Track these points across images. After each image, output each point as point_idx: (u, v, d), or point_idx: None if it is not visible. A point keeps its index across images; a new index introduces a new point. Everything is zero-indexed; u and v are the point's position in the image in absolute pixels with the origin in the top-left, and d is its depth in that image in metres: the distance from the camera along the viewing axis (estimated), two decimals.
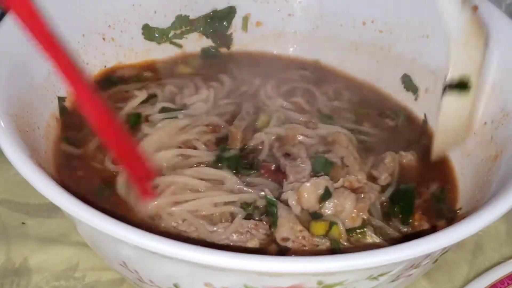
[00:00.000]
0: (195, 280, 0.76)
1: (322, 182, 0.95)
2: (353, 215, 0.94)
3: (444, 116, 0.98)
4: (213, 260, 0.66)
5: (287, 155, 1.03)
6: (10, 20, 0.97)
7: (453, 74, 0.93)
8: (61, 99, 1.05)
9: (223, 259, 0.66)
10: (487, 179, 0.95)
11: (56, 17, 1.06)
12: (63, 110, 1.05)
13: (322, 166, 1.00)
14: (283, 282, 0.72)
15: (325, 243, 0.91)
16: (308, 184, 0.94)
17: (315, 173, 0.99)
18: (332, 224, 0.92)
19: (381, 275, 0.75)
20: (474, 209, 0.81)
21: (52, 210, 1.07)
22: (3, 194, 1.11)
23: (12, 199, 1.10)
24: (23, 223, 1.07)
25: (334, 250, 0.91)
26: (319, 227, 0.92)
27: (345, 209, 0.94)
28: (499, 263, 1.02)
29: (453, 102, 0.95)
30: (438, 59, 1.17)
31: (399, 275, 0.77)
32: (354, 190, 0.97)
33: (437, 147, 1.06)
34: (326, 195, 0.94)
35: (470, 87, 0.95)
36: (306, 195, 0.94)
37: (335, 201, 0.94)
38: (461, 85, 0.95)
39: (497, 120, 1.01)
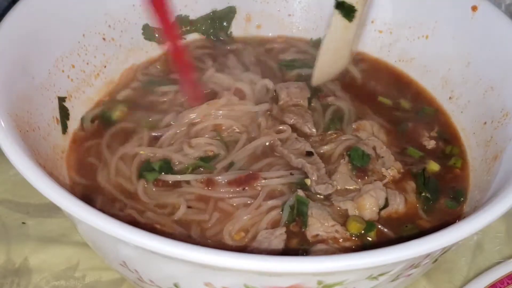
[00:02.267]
0: (195, 280, 0.76)
1: (382, 193, 0.97)
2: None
3: (330, 38, 1.08)
4: (213, 260, 0.66)
5: (308, 153, 1.03)
6: (11, 20, 0.97)
7: None
8: (61, 99, 1.05)
9: (223, 259, 0.66)
10: (487, 179, 0.95)
11: (57, 17, 1.07)
12: (63, 110, 1.05)
13: (360, 159, 1.01)
14: (283, 282, 0.72)
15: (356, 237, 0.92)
16: (369, 197, 0.95)
17: (353, 166, 1.01)
18: (371, 225, 0.93)
19: (381, 275, 0.75)
20: (474, 209, 0.81)
21: (52, 210, 1.07)
22: (3, 194, 1.11)
23: (12, 199, 1.11)
24: (23, 223, 1.07)
25: (365, 246, 0.92)
26: (356, 227, 0.93)
27: (398, 211, 0.97)
28: (499, 263, 1.02)
29: (340, 26, 1.08)
30: (438, 59, 1.18)
31: (399, 275, 0.77)
32: (396, 183, 1.01)
33: (318, 71, 1.12)
34: (385, 205, 0.97)
35: (355, 16, 1.08)
36: (368, 208, 0.95)
37: (390, 208, 0.97)
38: (348, 11, 1.08)
39: (497, 120, 1.01)
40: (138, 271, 0.80)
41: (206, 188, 0.97)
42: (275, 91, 1.16)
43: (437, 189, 1.02)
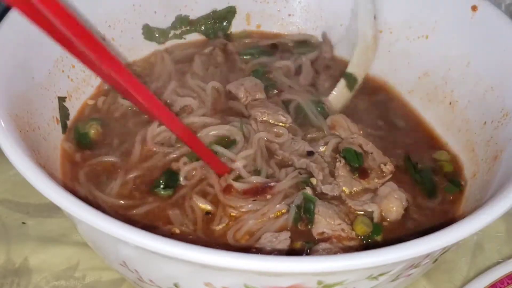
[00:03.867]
0: (195, 280, 0.76)
1: (403, 195, 0.97)
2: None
3: (335, 98, 1.18)
4: (213, 260, 0.66)
5: (309, 153, 1.02)
6: (11, 20, 0.97)
7: (349, 70, 1.21)
8: (61, 99, 1.05)
9: (223, 259, 0.66)
10: (487, 179, 0.95)
11: None
12: (63, 110, 1.05)
13: (356, 159, 1.01)
14: (283, 282, 0.72)
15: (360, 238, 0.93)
16: (395, 200, 0.96)
17: (351, 168, 1.01)
18: (378, 229, 0.94)
19: (381, 274, 0.75)
20: (474, 209, 0.81)
21: (52, 210, 1.07)
22: (3, 194, 1.11)
23: (12, 199, 1.11)
24: (23, 223, 1.07)
25: (368, 245, 0.92)
26: (363, 230, 0.93)
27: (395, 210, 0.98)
28: (499, 263, 1.02)
29: (342, 91, 1.19)
30: (438, 59, 1.18)
31: (399, 274, 0.77)
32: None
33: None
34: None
35: (355, 86, 1.20)
36: (395, 211, 0.96)
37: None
38: (351, 81, 1.19)
39: (497, 120, 1.01)
40: (138, 271, 0.80)
41: (223, 194, 0.96)
42: (230, 92, 1.14)
43: (430, 172, 1.04)
